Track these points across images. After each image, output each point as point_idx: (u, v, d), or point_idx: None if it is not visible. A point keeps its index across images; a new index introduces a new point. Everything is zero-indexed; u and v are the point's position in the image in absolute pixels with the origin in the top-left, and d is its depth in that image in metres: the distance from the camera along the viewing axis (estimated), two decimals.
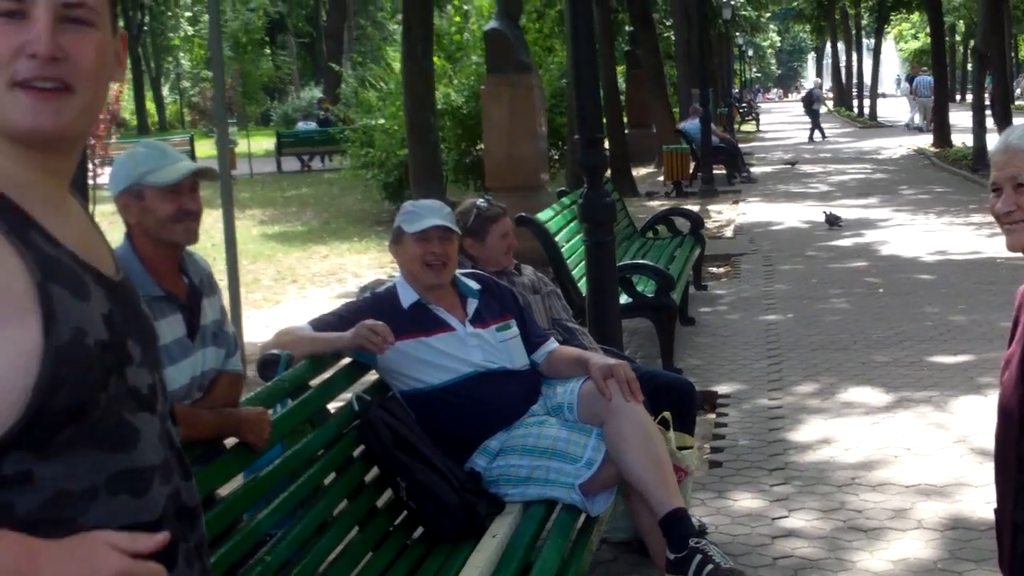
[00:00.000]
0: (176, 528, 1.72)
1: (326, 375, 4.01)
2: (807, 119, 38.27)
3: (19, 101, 1.59)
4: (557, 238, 7.86)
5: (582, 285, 7.26)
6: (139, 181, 3.24)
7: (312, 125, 32.69)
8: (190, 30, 44.09)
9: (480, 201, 5.31)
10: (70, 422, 1.55)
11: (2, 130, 1.61)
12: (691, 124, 22.30)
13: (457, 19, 20.07)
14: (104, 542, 1.49)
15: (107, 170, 12.55)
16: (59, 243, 1.61)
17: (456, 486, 3.90)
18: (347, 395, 4.09)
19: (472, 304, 4.36)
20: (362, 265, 14.28)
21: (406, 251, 4.33)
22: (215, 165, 7.06)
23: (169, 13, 52.81)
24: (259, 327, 9.45)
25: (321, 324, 4.16)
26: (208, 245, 11.54)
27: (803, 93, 51.45)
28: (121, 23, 1.81)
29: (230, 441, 3.28)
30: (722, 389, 7.41)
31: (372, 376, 4.34)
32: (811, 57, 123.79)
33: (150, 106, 62.89)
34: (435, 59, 15.14)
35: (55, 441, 1.55)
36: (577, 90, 6.45)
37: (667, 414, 4.36)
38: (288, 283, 13.31)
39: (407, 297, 4.29)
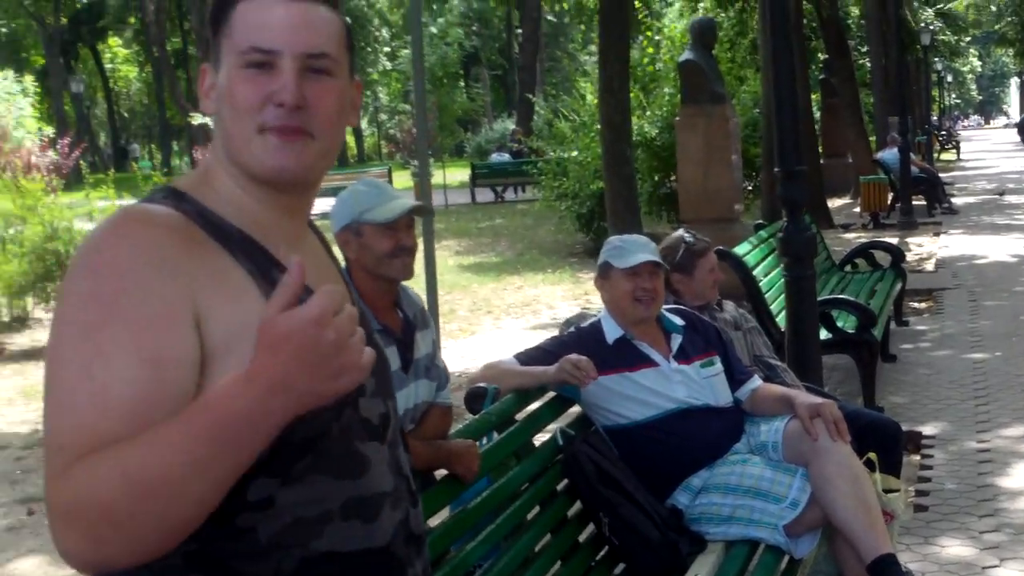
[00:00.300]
0: (404, 554, 1.79)
1: (531, 408, 4.05)
2: (1015, 147, 36.70)
3: (266, 144, 1.70)
4: (755, 272, 7.76)
5: (780, 320, 7.15)
6: (358, 219, 3.33)
7: (506, 157, 33.10)
8: (388, 65, 45.27)
9: (687, 235, 5.29)
10: (307, 451, 1.64)
11: (250, 170, 1.72)
12: (889, 154, 21.73)
13: (650, 50, 20.05)
14: (272, 320, 1.46)
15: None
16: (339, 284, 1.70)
17: (658, 523, 3.89)
18: (551, 429, 4.12)
19: (676, 340, 4.35)
20: (556, 296, 14.35)
21: (615, 286, 4.34)
22: (411, 196, 7.21)
23: (368, 48, 54.38)
24: (455, 357, 9.60)
25: (526, 358, 4.21)
26: None
27: (1015, 120, 49.54)
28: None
29: (439, 473, 3.34)
30: (927, 430, 7.17)
31: (576, 410, 4.35)
32: (1014, 82, 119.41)
33: (349, 139, 64.76)
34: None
35: (295, 468, 1.63)
36: (778, 122, 6.36)
37: (872, 455, 4.25)
38: (483, 314, 13.47)
39: (612, 332, 4.31)
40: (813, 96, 28.39)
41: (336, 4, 1.79)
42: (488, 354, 10.10)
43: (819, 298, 7.16)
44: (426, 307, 3.72)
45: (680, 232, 5.45)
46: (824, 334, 7.33)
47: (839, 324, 7.68)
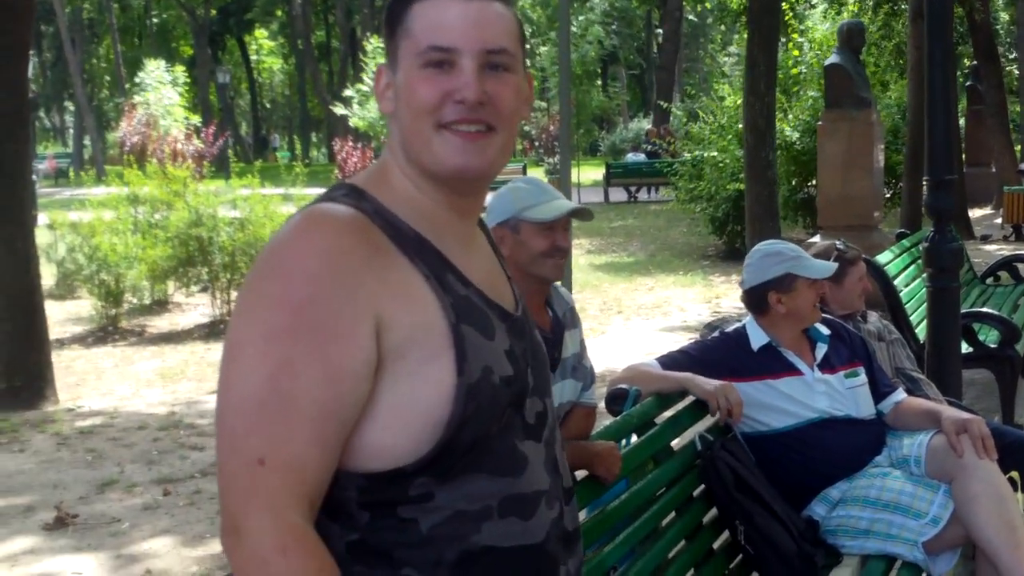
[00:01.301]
0: (557, 551, 1.80)
1: (671, 412, 4.04)
2: None
3: (447, 142, 1.72)
4: (896, 281, 7.62)
5: (920, 331, 7.00)
6: (518, 215, 3.34)
7: (641, 157, 32.97)
8: (527, 62, 45.51)
9: (839, 243, 5.22)
10: (470, 450, 1.66)
11: (430, 170, 1.75)
12: None
13: (796, 53, 19.77)
14: None
15: None
16: (469, 283, 1.72)
17: (795, 534, 3.84)
18: (690, 433, 4.11)
19: (821, 349, 4.29)
20: (687, 299, 14.28)
21: (800, 295, 4.29)
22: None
23: None
24: None
25: (670, 361, 4.19)
26: None
27: None
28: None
29: (578, 473, 3.35)
30: None
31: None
32: None
33: None
34: None
35: (455, 467, 1.66)
36: (930, 130, 6.21)
37: (1015, 474, 4.15)
38: (614, 313, 13.46)
39: (757, 339, 4.26)
40: (959, 103, 27.68)
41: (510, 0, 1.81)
42: (618, 354, 10.10)
43: (961, 311, 7.00)
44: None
45: (833, 240, 5.37)
46: (964, 348, 7.16)
47: (980, 338, 7.50)
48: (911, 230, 11.51)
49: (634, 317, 13.19)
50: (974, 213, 23.33)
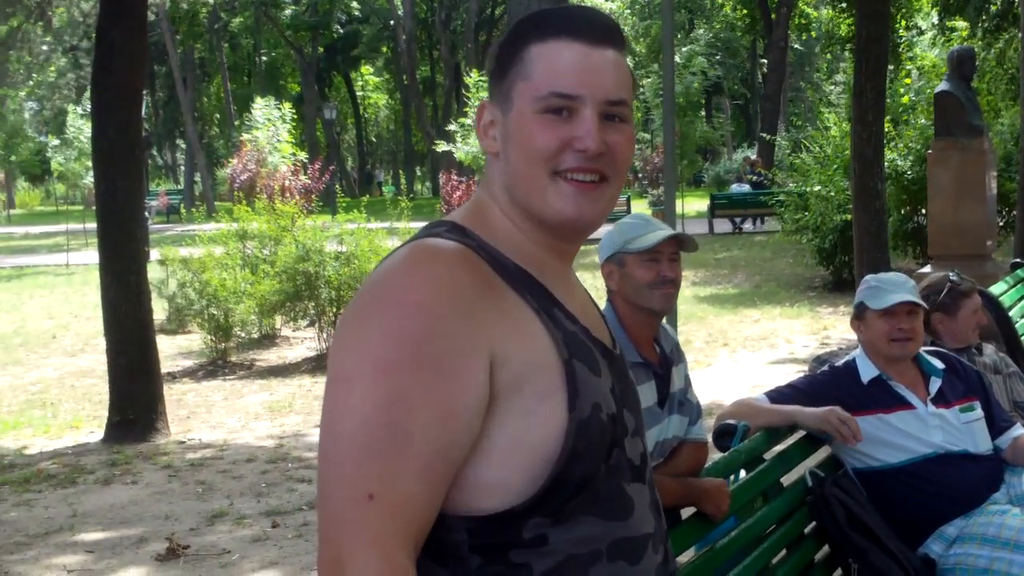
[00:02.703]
0: None
1: (780, 448, 3.97)
2: None
3: (562, 191, 1.70)
4: (1011, 312, 7.42)
5: None
6: (621, 249, 3.34)
7: (746, 187, 32.70)
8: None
9: (952, 275, 5.11)
10: (579, 492, 1.63)
11: (540, 215, 1.72)
12: None
13: (907, 81, 19.47)
14: None
15: None
16: (576, 319, 1.70)
17: (910, 572, 3.75)
18: (800, 469, 4.03)
19: (935, 383, 4.19)
20: (794, 331, 14.08)
21: (870, 327, 4.22)
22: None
23: None
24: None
25: (778, 396, 4.13)
26: None
27: None
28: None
29: (686, 511, 3.31)
30: None
31: (826, 451, 4.25)
32: None
33: None
34: None
35: (567, 508, 1.63)
36: None
37: None
38: (719, 346, 13.33)
39: (867, 372, 4.18)
40: None
41: (626, 48, 1.78)
42: (724, 387, 10.00)
43: None
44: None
45: (946, 272, 5.26)
46: None
47: None
48: None
49: (740, 349, 13.05)
50: None
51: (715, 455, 3.70)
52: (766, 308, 16.13)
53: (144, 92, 12.60)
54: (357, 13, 61.69)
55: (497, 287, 1.65)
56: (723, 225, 30.88)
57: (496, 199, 1.77)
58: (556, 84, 1.68)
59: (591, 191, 1.71)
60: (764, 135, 36.49)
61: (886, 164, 15.83)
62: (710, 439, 3.73)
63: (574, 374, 1.63)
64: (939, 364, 4.27)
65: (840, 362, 4.34)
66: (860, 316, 4.27)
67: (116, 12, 9.72)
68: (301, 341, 14.77)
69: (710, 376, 11.14)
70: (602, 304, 3.36)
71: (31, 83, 62.89)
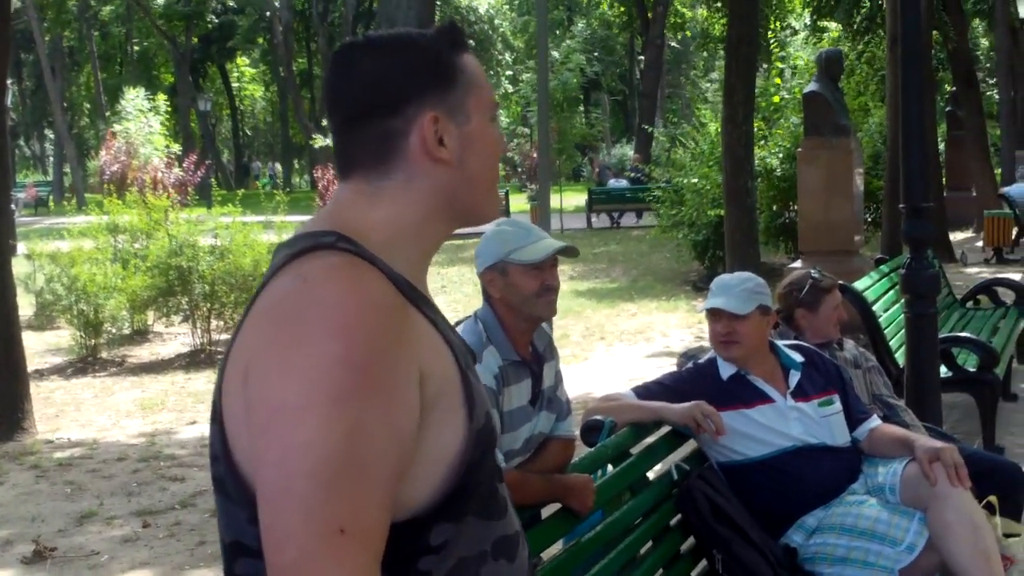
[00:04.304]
0: None
1: (646, 442, 4.04)
2: None
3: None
4: (875, 307, 7.65)
5: (899, 356, 7.02)
6: (504, 259, 3.37)
7: (623, 183, 33.04)
8: (510, 88, 45.47)
9: (814, 271, 5.25)
10: (471, 494, 1.67)
11: (481, 217, 1.86)
12: (1016, 188, 21.23)
13: (777, 81, 19.88)
14: None
15: None
16: (452, 327, 1.76)
17: (773, 562, 3.84)
18: (666, 463, 4.11)
19: (794, 376, 4.30)
20: (670, 324, 14.29)
21: (711, 328, 4.35)
22: (527, 219, 7.28)
23: (491, 72, 54.79)
24: (568, 383, 9.59)
25: (644, 392, 4.20)
26: None
27: None
28: None
29: (553, 506, 3.35)
30: None
31: (691, 446, 4.33)
32: None
33: None
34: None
35: (463, 512, 1.67)
36: (904, 158, 6.26)
37: (992, 498, 4.16)
38: (596, 339, 13.47)
39: (726, 369, 4.29)
40: (938, 128, 27.86)
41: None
42: (600, 380, 10.11)
43: (940, 335, 7.03)
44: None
45: (808, 269, 5.40)
46: (944, 372, 7.19)
47: (960, 362, 7.54)
48: (892, 255, 11.57)
49: (617, 343, 13.20)
50: (955, 237, 23.44)
51: (583, 451, 3.75)
52: (643, 302, 16.34)
53: (10, 81, 12.24)
54: (232, 3, 60.79)
55: (406, 303, 1.64)
56: (600, 220, 31.19)
57: (421, 204, 1.74)
58: (491, 92, 1.80)
59: None
60: (645, 126, 36.89)
61: (757, 162, 16.19)
62: (578, 434, 3.78)
63: (471, 385, 1.67)
64: (799, 358, 4.38)
65: (704, 359, 4.44)
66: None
67: None
68: (175, 337, 14.52)
69: (587, 370, 11.25)
70: (475, 306, 3.42)
71: None
